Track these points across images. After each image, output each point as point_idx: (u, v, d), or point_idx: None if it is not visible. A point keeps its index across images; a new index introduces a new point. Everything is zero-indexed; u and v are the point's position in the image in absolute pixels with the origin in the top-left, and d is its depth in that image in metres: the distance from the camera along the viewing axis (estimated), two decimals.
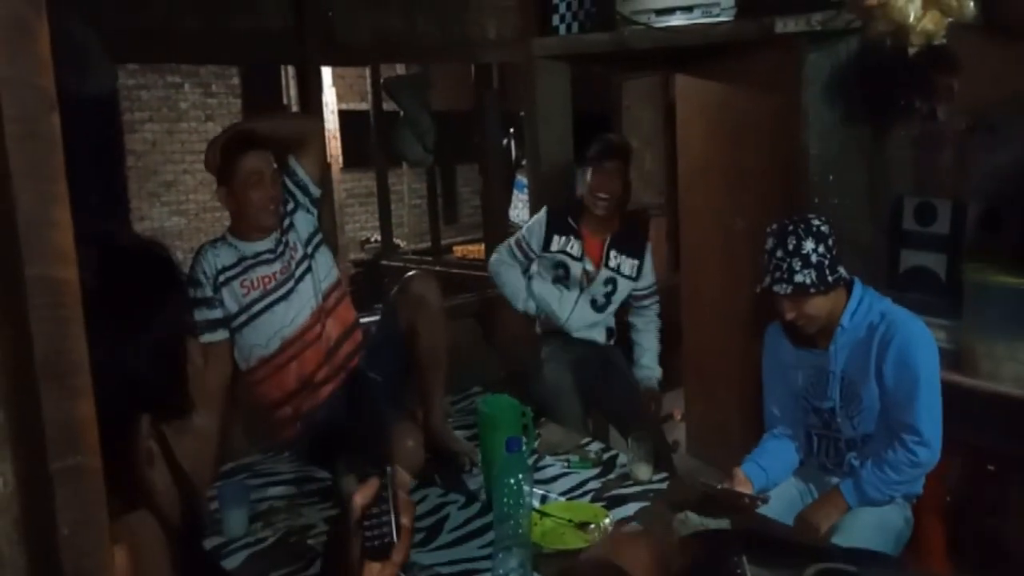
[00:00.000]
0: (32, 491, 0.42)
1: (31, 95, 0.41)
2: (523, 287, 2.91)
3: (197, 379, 0.74)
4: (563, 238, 2.84)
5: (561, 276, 2.86)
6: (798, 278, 1.91)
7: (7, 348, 0.41)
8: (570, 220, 2.84)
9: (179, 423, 0.71)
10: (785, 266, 1.93)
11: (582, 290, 2.85)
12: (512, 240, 2.97)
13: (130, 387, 0.65)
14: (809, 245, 1.92)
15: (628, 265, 2.86)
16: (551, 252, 2.85)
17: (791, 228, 1.95)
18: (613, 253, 2.84)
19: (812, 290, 1.92)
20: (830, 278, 1.93)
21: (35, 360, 0.40)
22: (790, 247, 1.93)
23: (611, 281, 2.85)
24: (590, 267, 2.83)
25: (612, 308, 2.91)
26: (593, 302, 2.87)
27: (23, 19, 0.40)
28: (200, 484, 0.75)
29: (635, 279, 2.87)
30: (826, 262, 1.92)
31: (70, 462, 0.41)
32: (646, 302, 2.95)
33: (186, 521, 0.73)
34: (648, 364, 2.94)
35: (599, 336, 2.93)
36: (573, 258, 2.83)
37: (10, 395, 0.41)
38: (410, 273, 2.59)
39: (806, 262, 1.91)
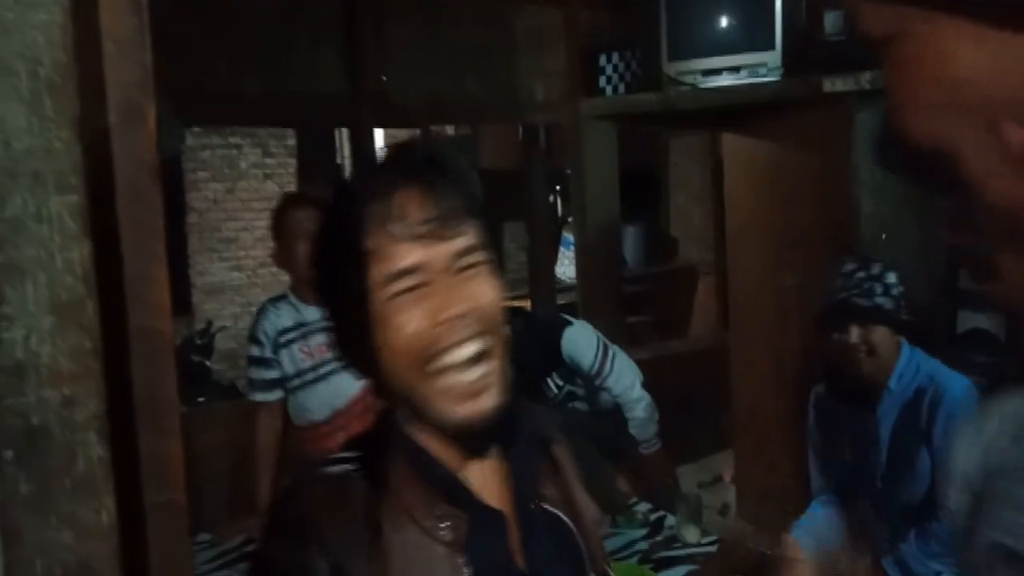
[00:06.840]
0: (127, 523, 0.45)
1: (140, 166, 0.46)
2: None
3: None
4: None
5: None
6: (879, 300, 1.86)
7: (112, 391, 0.45)
8: None
9: None
10: (867, 286, 1.87)
11: None
12: None
13: None
14: (892, 278, 1.88)
15: None
16: None
17: (874, 260, 1.94)
18: None
19: (888, 316, 1.86)
20: (904, 316, 1.88)
21: (135, 402, 0.44)
22: (874, 272, 1.88)
23: None
24: None
25: None
26: None
27: (137, 104, 0.45)
28: None
29: None
30: (902, 303, 1.88)
31: (162, 497, 0.44)
32: None
33: None
34: None
35: None
36: None
37: (113, 434, 0.45)
38: None
39: (887, 291, 1.87)
